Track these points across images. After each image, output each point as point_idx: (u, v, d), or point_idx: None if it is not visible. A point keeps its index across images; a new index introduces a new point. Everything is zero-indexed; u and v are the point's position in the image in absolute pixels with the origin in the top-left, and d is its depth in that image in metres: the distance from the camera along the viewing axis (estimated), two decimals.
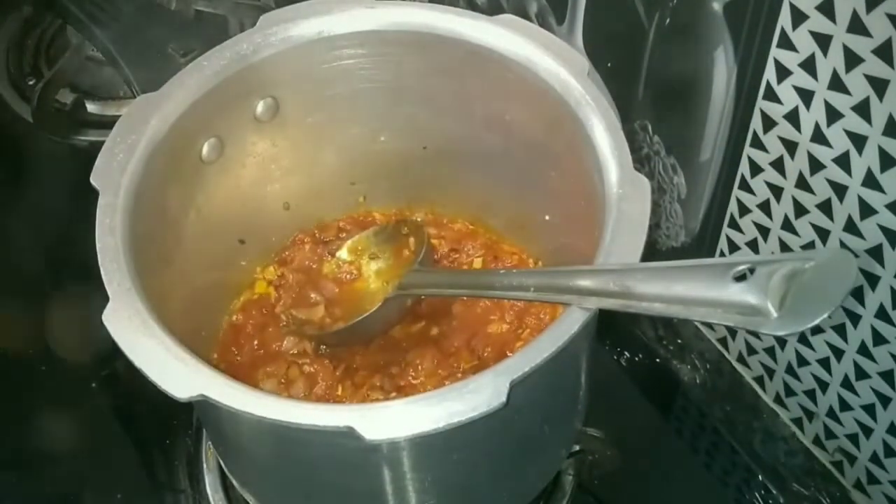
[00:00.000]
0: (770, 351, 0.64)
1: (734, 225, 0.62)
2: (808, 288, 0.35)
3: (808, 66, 0.49)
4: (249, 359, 0.61)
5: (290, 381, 0.59)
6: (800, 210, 0.55)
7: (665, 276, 0.41)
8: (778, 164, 0.55)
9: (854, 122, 0.48)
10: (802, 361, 0.61)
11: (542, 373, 0.42)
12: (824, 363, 0.59)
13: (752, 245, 0.61)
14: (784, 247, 0.58)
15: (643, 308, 0.41)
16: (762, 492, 0.64)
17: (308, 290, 0.63)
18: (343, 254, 0.64)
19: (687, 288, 0.39)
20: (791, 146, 0.54)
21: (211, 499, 0.63)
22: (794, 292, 0.35)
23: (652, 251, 0.70)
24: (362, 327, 0.59)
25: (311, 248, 0.66)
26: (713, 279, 0.39)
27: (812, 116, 0.51)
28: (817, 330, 0.58)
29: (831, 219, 0.53)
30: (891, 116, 0.46)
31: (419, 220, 0.67)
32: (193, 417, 0.66)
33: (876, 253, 0.51)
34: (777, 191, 0.57)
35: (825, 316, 0.33)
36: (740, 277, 0.38)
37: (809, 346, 0.60)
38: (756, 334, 0.65)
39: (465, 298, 0.62)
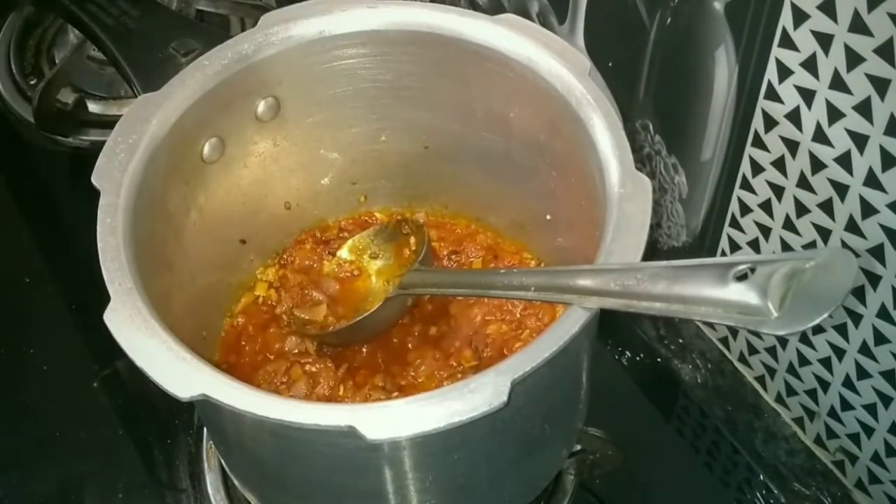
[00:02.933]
0: (771, 350, 0.64)
1: (735, 224, 0.62)
2: (809, 287, 0.35)
3: (810, 65, 0.49)
4: (251, 359, 0.61)
5: (291, 381, 0.59)
6: (801, 209, 0.55)
7: (665, 275, 0.41)
8: (779, 164, 0.55)
9: (855, 122, 0.48)
10: (804, 361, 0.61)
11: (543, 372, 0.42)
12: (826, 363, 0.59)
13: (754, 244, 0.61)
14: (785, 246, 0.58)
15: (643, 307, 0.41)
16: (763, 491, 0.64)
17: (310, 290, 0.63)
18: (344, 253, 0.64)
19: (687, 287, 0.39)
20: (792, 146, 0.54)
21: (212, 498, 0.63)
22: (795, 292, 0.35)
23: (653, 250, 0.70)
24: (364, 326, 0.59)
25: (312, 248, 0.66)
26: (714, 279, 0.39)
27: (813, 116, 0.51)
28: (818, 329, 0.58)
29: (833, 218, 0.53)
30: (892, 116, 0.46)
31: (420, 219, 0.67)
32: (195, 417, 0.66)
33: (877, 252, 0.51)
34: (778, 190, 0.57)
35: (825, 316, 0.33)
36: (741, 277, 0.38)
37: (811, 345, 0.60)
38: (757, 334, 0.65)
39: (465, 299, 0.61)
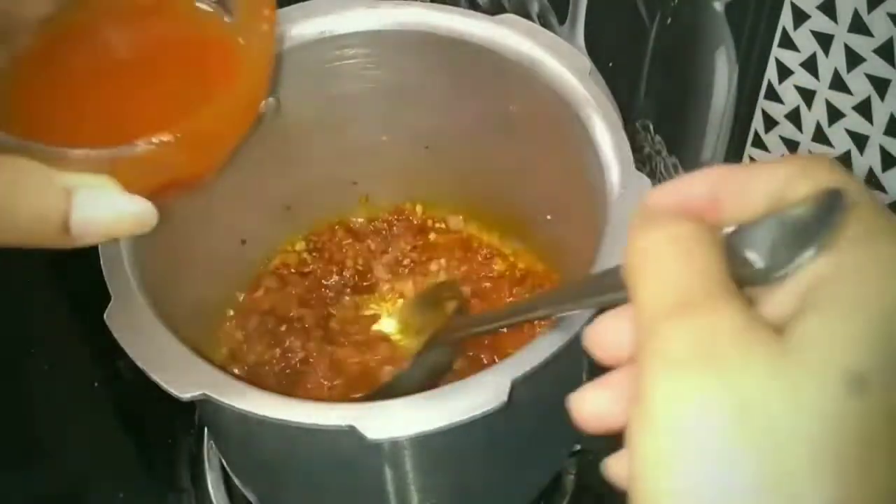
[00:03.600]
0: None
1: None
2: (794, 232, 0.33)
3: (810, 65, 0.49)
4: (252, 358, 0.61)
5: (292, 381, 0.59)
6: None
7: None
8: None
9: (855, 122, 0.48)
10: None
11: (543, 372, 0.42)
12: None
13: None
14: None
15: None
16: None
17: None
18: (389, 327, 0.62)
19: None
20: (792, 146, 0.54)
21: (213, 498, 0.63)
22: (780, 240, 0.34)
23: None
24: (394, 389, 0.55)
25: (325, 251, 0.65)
26: None
27: (813, 116, 0.51)
28: None
29: None
30: (892, 116, 0.46)
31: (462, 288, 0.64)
32: (196, 416, 0.66)
33: None
34: None
35: (810, 254, 0.31)
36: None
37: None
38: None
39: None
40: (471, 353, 0.59)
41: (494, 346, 0.59)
